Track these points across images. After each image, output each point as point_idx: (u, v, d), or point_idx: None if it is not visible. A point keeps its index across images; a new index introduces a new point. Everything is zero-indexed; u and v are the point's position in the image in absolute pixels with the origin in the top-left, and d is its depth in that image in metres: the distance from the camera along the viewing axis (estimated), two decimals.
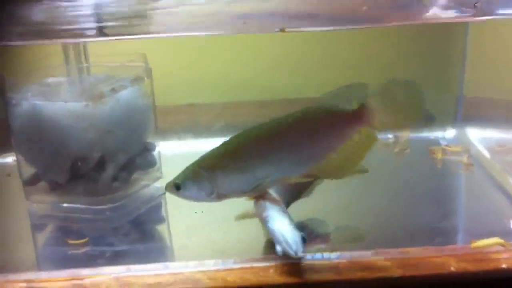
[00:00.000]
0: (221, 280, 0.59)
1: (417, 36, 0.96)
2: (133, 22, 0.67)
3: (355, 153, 0.61)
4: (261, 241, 0.68)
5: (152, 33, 0.67)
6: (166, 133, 0.91)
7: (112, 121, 0.73)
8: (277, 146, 0.62)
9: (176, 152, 0.93)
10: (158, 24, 0.68)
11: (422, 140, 0.99)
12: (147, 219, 0.78)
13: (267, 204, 0.64)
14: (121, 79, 0.75)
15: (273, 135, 0.62)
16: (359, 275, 0.60)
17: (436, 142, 0.97)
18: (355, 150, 0.61)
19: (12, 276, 0.62)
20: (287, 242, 0.58)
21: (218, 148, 0.63)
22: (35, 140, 0.74)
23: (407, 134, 0.98)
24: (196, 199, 0.64)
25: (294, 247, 0.58)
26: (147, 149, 0.79)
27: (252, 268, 0.61)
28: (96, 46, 0.80)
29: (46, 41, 0.72)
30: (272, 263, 0.61)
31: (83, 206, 0.76)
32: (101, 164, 0.74)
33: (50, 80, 0.77)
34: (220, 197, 0.63)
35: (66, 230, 0.74)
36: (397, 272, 0.59)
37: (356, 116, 0.60)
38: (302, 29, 0.70)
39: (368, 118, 0.60)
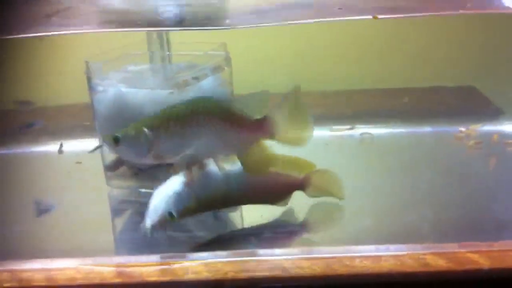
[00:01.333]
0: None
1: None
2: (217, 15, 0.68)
3: (256, 162, 0.65)
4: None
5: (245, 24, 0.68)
6: None
7: None
8: (203, 126, 0.65)
9: None
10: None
11: (493, 132, 0.97)
12: None
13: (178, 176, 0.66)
14: (202, 67, 0.75)
15: (203, 115, 0.65)
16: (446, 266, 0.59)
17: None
18: (255, 159, 0.65)
19: (101, 260, 0.63)
20: (146, 214, 0.62)
21: (163, 110, 0.65)
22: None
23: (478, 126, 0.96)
24: (132, 156, 0.66)
25: (146, 221, 0.62)
26: None
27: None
28: (177, 34, 0.81)
29: (130, 29, 0.74)
30: (357, 254, 0.61)
31: None
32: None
33: (133, 67, 0.78)
34: (156, 157, 0.66)
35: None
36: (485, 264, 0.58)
37: (257, 126, 0.64)
38: (390, 16, 0.69)
39: (270, 129, 0.63)
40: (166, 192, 0.65)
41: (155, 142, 0.65)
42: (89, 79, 0.75)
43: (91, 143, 0.80)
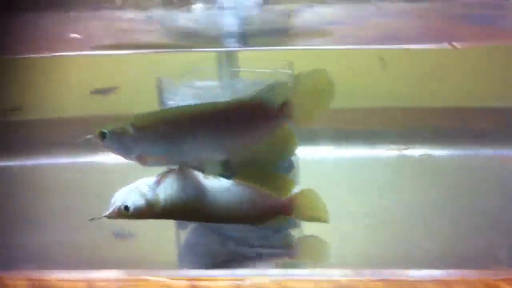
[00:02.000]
0: None
1: None
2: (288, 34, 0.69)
3: (275, 149, 0.66)
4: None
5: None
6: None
7: None
8: (205, 128, 0.65)
9: (313, 158, 0.95)
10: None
11: None
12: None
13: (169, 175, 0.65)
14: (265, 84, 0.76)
15: (204, 116, 0.65)
16: None
17: None
18: (275, 146, 0.65)
19: (174, 273, 0.65)
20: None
21: (154, 112, 0.66)
22: None
23: None
24: (118, 153, 0.65)
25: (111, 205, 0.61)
26: None
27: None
28: (245, 52, 0.82)
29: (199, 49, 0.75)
30: (427, 278, 0.61)
31: None
32: None
33: (200, 83, 0.80)
34: (140, 158, 0.64)
35: (209, 230, 0.77)
36: None
37: (279, 113, 0.64)
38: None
39: (289, 113, 0.64)
40: (133, 186, 0.64)
41: (139, 142, 0.65)
42: (160, 94, 0.77)
43: None
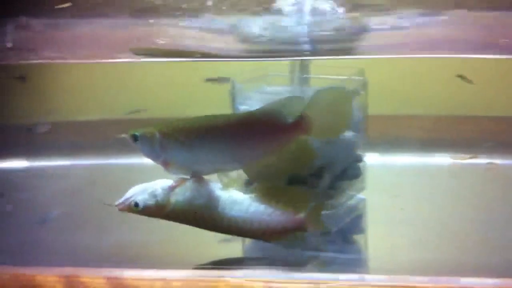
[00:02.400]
0: None
1: None
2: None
3: (290, 161, 0.67)
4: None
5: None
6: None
7: None
8: (222, 139, 0.67)
9: (378, 163, 0.95)
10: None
11: None
12: (350, 228, 0.80)
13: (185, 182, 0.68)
14: None
15: (219, 128, 0.67)
16: None
17: None
18: (290, 158, 0.67)
19: (250, 273, 0.66)
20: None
21: (180, 120, 0.68)
22: None
23: None
24: (147, 156, 0.68)
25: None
26: (357, 159, 0.81)
27: None
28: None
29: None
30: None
31: None
32: (319, 172, 0.77)
33: (270, 88, 0.81)
34: (165, 164, 0.67)
35: None
36: None
37: (294, 126, 0.66)
38: None
39: (306, 127, 0.65)
40: (150, 185, 0.67)
41: (164, 148, 0.67)
42: (232, 98, 0.78)
43: None
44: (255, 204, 0.68)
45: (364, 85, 0.80)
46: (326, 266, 0.70)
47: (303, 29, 0.78)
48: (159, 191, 0.67)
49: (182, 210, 0.67)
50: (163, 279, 0.66)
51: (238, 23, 0.71)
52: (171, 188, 0.67)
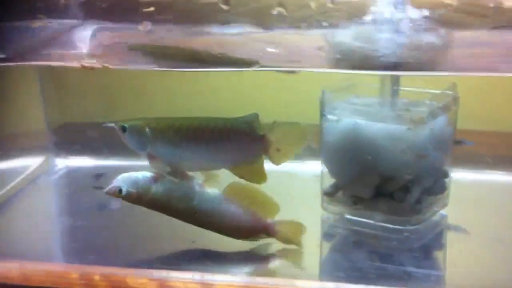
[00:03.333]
0: None
1: None
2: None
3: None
4: None
5: None
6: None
7: (426, 146, 0.74)
8: (204, 141, 0.72)
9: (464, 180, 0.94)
10: None
11: None
12: (432, 244, 0.79)
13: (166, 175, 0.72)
14: (432, 105, 0.76)
15: (204, 130, 0.72)
16: None
17: None
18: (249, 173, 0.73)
19: (313, 284, 0.67)
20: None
21: (169, 119, 0.73)
22: (348, 155, 0.77)
23: None
24: (133, 147, 0.72)
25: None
26: (444, 175, 0.80)
27: None
28: None
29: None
30: None
31: (379, 223, 0.78)
32: (407, 186, 0.76)
33: (360, 99, 0.80)
34: (151, 157, 0.72)
35: (356, 244, 0.78)
36: None
37: (261, 141, 0.72)
38: None
39: (266, 146, 0.72)
40: (136, 174, 0.72)
41: (152, 142, 0.71)
42: (322, 107, 0.78)
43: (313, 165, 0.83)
44: (228, 201, 0.73)
45: (456, 100, 0.78)
46: (407, 281, 0.69)
47: (393, 41, 0.77)
48: (141, 181, 0.71)
49: (160, 200, 0.72)
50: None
51: (329, 34, 0.71)
52: (153, 179, 0.72)
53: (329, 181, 0.82)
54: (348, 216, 0.81)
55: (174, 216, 0.73)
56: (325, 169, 0.82)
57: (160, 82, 0.98)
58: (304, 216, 0.82)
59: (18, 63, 0.76)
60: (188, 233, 0.76)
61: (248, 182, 0.74)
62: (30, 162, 0.98)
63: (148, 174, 0.72)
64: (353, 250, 0.77)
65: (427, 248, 0.77)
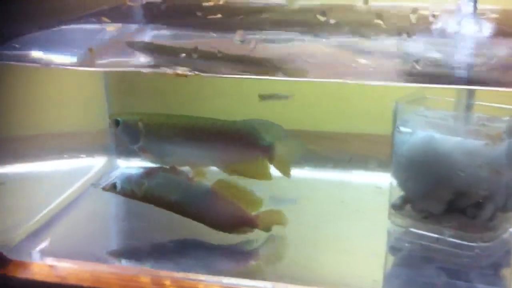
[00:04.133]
0: None
1: None
2: None
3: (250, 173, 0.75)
4: None
5: None
6: None
7: (502, 162, 0.73)
8: (199, 139, 0.75)
9: None
10: None
11: None
12: (503, 262, 0.78)
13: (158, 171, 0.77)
14: (510, 121, 0.75)
15: (201, 129, 0.75)
16: None
17: None
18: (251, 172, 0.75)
19: None
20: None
21: (162, 115, 0.76)
22: (421, 168, 0.76)
23: None
24: (125, 140, 0.76)
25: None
26: None
27: None
28: None
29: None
30: None
31: (449, 239, 0.77)
32: (480, 202, 0.75)
33: (432, 112, 0.79)
34: (143, 151, 0.75)
35: (422, 258, 0.77)
36: None
37: (264, 149, 0.74)
38: None
39: (271, 156, 0.74)
40: (131, 170, 0.77)
41: (145, 137, 0.74)
42: (394, 119, 0.77)
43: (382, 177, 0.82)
44: (217, 197, 0.77)
45: None
46: None
47: (463, 54, 0.76)
48: (134, 176, 0.75)
49: (152, 195, 0.76)
50: None
51: (398, 44, 0.70)
52: (146, 174, 0.76)
53: (396, 193, 0.81)
54: (415, 230, 0.79)
55: (166, 209, 0.77)
56: (394, 182, 0.80)
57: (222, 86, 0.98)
58: (369, 229, 0.82)
59: (91, 68, 0.77)
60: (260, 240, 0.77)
61: (235, 178, 0.76)
62: (93, 162, 0.99)
63: (141, 169, 0.76)
64: (420, 265, 0.76)
65: (498, 266, 0.76)
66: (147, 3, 0.73)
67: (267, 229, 0.78)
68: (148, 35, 0.78)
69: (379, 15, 0.62)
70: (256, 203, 0.77)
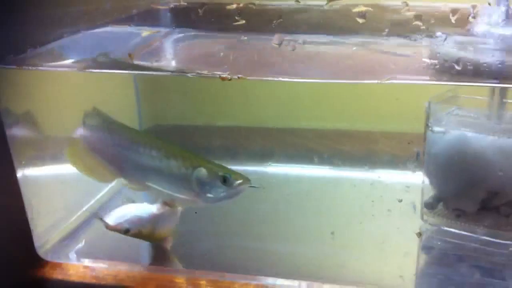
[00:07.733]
0: None
1: None
2: None
3: None
4: None
5: None
6: None
7: None
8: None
9: None
10: None
11: None
12: None
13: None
14: None
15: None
16: None
17: None
18: None
19: None
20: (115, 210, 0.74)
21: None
22: (455, 167, 0.76)
23: None
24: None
25: (110, 216, 0.73)
26: None
27: None
28: None
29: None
30: None
31: (483, 238, 0.77)
32: None
33: (465, 111, 0.79)
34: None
35: (455, 257, 0.77)
36: None
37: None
38: None
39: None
40: (141, 211, 0.75)
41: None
42: (427, 118, 0.77)
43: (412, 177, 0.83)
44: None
45: None
46: None
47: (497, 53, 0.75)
48: (144, 219, 0.75)
49: (159, 235, 0.76)
50: None
51: (432, 43, 0.69)
52: (154, 216, 0.75)
53: (428, 192, 0.81)
54: (448, 229, 0.79)
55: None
56: (426, 181, 0.80)
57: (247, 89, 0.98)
58: (401, 227, 0.82)
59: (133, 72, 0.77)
60: (293, 240, 0.77)
61: None
62: None
63: (149, 209, 0.76)
64: (453, 263, 0.76)
65: None
66: (180, 7, 0.73)
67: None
68: (183, 39, 0.78)
69: (418, 16, 0.62)
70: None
